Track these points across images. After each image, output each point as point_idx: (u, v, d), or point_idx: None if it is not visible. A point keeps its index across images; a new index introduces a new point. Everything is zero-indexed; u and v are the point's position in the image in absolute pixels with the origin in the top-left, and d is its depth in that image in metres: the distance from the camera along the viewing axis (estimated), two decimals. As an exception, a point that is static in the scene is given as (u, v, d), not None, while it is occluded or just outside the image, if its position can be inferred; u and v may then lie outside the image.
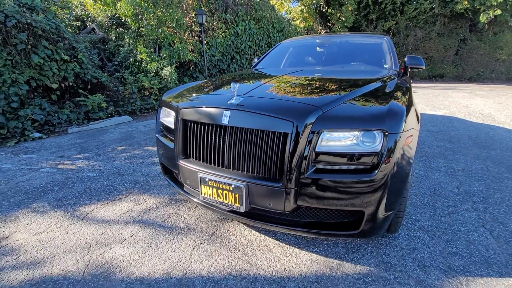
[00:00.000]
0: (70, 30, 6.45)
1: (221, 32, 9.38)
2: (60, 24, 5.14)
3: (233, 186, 1.47)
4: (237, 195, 1.48)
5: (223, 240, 1.86)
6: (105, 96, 5.93)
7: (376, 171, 1.31)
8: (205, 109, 1.60)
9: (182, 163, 1.71)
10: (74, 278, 1.53)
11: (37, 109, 4.59)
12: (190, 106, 1.68)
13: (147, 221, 2.08)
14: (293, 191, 1.39)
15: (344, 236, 1.51)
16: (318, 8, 19.19)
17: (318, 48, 3.28)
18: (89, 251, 1.75)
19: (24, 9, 4.46)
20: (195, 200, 1.78)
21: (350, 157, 1.35)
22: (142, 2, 6.95)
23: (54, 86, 4.97)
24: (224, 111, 1.49)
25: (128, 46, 7.74)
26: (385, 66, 2.62)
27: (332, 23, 18.68)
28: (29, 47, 4.42)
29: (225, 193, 1.52)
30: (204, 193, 1.61)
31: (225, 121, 1.48)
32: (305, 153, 1.34)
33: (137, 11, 7.07)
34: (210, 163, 1.61)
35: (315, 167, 1.38)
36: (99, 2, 8.48)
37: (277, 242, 1.83)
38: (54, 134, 4.67)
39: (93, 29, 8.85)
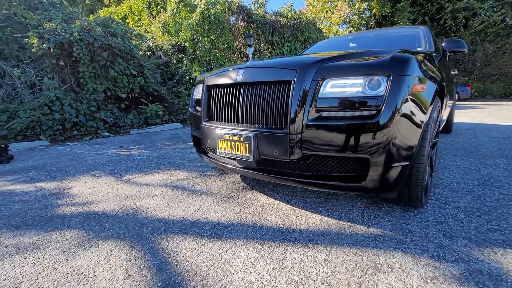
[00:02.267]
0: (141, 53, 7.77)
1: (267, 53, 10.02)
2: (133, 47, 6.25)
3: (243, 136, 1.61)
4: (247, 145, 1.60)
5: (239, 201, 1.95)
6: (162, 107, 6.79)
7: (379, 116, 1.30)
8: (224, 73, 1.81)
9: (205, 124, 1.93)
10: (109, 214, 1.80)
11: (109, 113, 5.53)
12: (213, 75, 1.92)
13: (176, 186, 2.31)
14: (296, 138, 1.45)
15: (350, 189, 1.46)
16: (369, 29, 18.96)
17: (351, 44, 3.33)
18: (125, 200, 2.04)
19: (108, 34, 5.60)
20: (216, 162, 1.96)
21: (353, 103, 1.37)
22: (199, 29, 8.00)
23: (123, 96, 5.94)
24: (239, 71, 1.69)
25: (185, 67, 8.84)
26: (417, 49, 2.53)
27: (384, 43, 18.11)
28: (108, 63, 5.47)
29: (237, 145, 1.66)
30: (221, 148, 1.77)
31: (239, 78, 1.66)
32: (308, 100, 1.42)
33: (194, 36, 8.14)
34: (227, 122, 1.79)
35: (319, 114, 1.43)
36: (166, 33, 10.00)
37: (290, 206, 1.85)
38: (119, 134, 5.51)
39: (159, 56, 10.39)
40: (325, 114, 1.43)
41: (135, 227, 1.61)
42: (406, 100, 1.33)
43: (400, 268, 1.18)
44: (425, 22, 17.36)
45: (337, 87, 1.40)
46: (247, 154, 1.61)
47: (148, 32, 12.69)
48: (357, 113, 1.36)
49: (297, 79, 1.43)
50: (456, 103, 14.25)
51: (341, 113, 1.40)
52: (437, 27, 17.41)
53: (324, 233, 1.49)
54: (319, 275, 1.15)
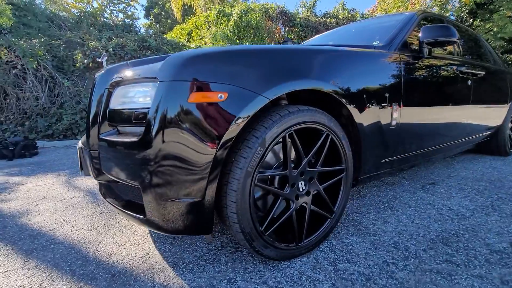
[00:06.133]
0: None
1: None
2: (166, 58, 6.86)
3: (78, 148, 1.49)
4: (82, 160, 1.48)
5: (113, 217, 1.83)
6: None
7: (142, 133, 0.99)
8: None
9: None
10: (8, 212, 1.96)
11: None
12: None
13: (93, 193, 2.35)
14: (94, 155, 1.25)
15: (133, 218, 1.15)
16: (459, 21, 15.66)
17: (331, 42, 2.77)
18: (37, 201, 2.18)
19: (142, 48, 6.31)
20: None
21: (128, 116, 1.09)
22: (233, 37, 8.19)
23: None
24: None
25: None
26: (373, 43, 1.89)
27: (477, 37, 14.60)
28: (138, 73, 6.14)
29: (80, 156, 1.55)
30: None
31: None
32: (100, 111, 1.21)
33: (228, 44, 8.38)
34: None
35: (114, 129, 1.20)
36: (215, 44, 10.61)
37: (146, 232, 1.62)
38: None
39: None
40: (119, 129, 1.19)
41: (-6, 229, 1.70)
42: (180, 113, 0.97)
43: None
44: (543, 6, 13.18)
45: (121, 96, 1.15)
46: (82, 170, 1.49)
47: (207, 44, 13.75)
48: (127, 129, 1.08)
49: (95, 86, 1.24)
50: None
51: (120, 129, 1.14)
52: None
53: (120, 273, 1.23)
54: (21, 328, 0.94)
